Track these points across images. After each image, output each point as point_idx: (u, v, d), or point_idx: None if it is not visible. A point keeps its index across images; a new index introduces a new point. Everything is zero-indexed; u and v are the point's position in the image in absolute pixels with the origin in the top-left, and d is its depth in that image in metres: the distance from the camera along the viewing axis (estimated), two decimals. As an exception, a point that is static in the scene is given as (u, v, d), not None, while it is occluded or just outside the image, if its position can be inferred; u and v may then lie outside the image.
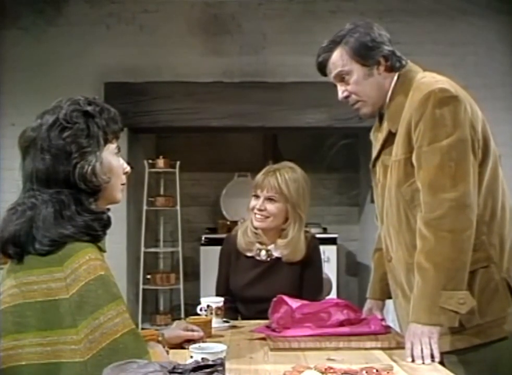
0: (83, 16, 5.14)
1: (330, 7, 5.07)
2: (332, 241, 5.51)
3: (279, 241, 2.75)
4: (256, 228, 2.77)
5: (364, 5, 4.95)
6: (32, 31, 5.10)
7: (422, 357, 1.87)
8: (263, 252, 2.78)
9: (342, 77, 2.11)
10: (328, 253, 5.24)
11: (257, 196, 2.74)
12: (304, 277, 2.77)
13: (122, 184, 1.75)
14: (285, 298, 2.22)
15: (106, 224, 1.64)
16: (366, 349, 2.04)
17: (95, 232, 1.60)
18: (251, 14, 5.13)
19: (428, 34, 4.99)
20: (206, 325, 2.32)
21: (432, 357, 1.87)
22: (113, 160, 1.70)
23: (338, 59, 2.09)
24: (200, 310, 2.51)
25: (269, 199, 2.71)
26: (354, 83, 2.09)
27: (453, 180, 1.90)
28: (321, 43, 2.17)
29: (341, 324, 2.18)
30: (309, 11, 5.11)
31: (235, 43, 5.13)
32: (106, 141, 1.68)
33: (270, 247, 2.78)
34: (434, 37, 5.00)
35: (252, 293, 2.75)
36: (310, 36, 4.87)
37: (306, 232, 2.81)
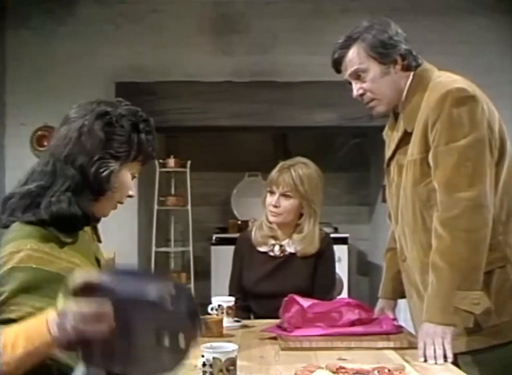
0: (92, 16, 5.14)
1: (339, 6, 5.06)
2: (343, 241, 5.48)
3: (295, 236, 2.79)
4: (271, 222, 2.82)
5: (372, 4, 4.94)
6: (41, 31, 5.10)
7: (435, 357, 1.86)
8: (277, 248, 2.81)
9: (358, 75, 2.10)
10: (339, 253, 5.19)
11: (272, 192, 2.78)
12: (316, 273, 2.79)
13: (119, 202, 1.77)
14: (297, 297, 2.22)
15: (69, 226, 1.64)
16: (377, 349, 2.03)
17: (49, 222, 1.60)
18: (260, 13, 5.12)
19: (436, 33, 4.97)
20: (217, 324, 2.33)
21: (445, 357, 1.86)
22: (128, 178, 1.74)
23: (355, 56, 2.08)
24: (212, 309, 2.52)
25: (284, 195, 2.75)
26: (371, 80, 2.08)
27: (470, 180, 1.90)
28: (331, 43, 2.16)
29: (352, 323, 2.17)
30: (318, 10, 5.09)
31: (244, 42, 5.12)
32: (134, 159, 1.73)
33: (284, 242, 2.81)
34: (443, 36, 4.98)
35: (265, 288, 2.77)
36: (319, 35, 4.86)
37: (320, 229, 2.84)
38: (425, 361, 1.87)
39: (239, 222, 5.85)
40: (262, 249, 2.85)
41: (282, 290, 2.48)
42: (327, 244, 2.85)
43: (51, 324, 1.29)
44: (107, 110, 1.70)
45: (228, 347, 1.65)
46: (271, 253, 2.83)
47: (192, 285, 5.39)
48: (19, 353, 1.31)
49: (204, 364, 1.62)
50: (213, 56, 5.12)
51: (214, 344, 1.68)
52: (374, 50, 2.06)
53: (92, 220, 1.74)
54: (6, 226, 1.63)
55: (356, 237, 6.14)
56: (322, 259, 2.81)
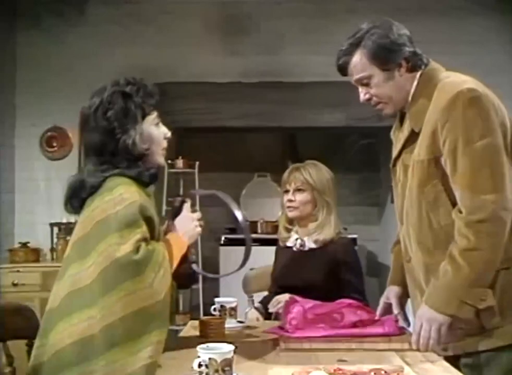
0: (101, 17, 5.16)
1: (346, 6, 5.05)
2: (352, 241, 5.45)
3: (310, 225, 2.95)
4: (291, 220, 3.02)
5: (378, 5, 4.92)
6: (51, 32, 5.13)
7: (427, 344, 1.93)
8: (298, 241, 2.98)
9: (362, 82, 2.10)
10: (348, 253, 5.18)
11: (287, 191, 2.99)
12: (342, 279, 2.84)
13: (163, 149, 2.07)
14: (298, 298, 2.22)
15: (154, 175, 2.01)
16: (378, 350, 2.02)
17: (142, 178, 1.96)
18: (268, 13, 5.11)
19: (441, 33, 4.95)
20: (219, 325, 2.33)
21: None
22: (152, 129, 2.03)
23: (358, 63, 2.08)
24: (214, 310, 2.52)
25: (297, 190, 2.95)
26: (375, 86, 2.08)
27: (492, 182, 1.89)
28: (339, 43, 2.15)
29: (354, 325, 2.16)
30: (325, 11, 5.09)
31: (252, 43, 5.11)
32: (144, 116, 2.00)
33: (305, 238, 2.95)
34: (447, 36, 4.96)
35: (285, 281, 2.92)
36: (327, 35, 4.85)
37: (340, 232, 2.95)
38: (418, 349, 1.94)
39: (248, 223, 5.83)
40: (289, 243, 3.03)
41: (299, 283, 2.78)
42: (345, 246, 2.93)
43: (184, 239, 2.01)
44: (99, 101, 1.97)
45: (224, 348, 1.65)
46: (294, 249, 2.99)
47: (200, 286, 5.39)
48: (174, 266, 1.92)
49: (199, 365, 1.61)
50: (221, 57, 5.13)
51: (210, 345, 1.67)
52: (376, 57, 2.05)
53: (157, 175, 2.04)
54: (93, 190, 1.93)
55: (366, 238, 6.12)
56: (345, 263, 2.87)
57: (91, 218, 1.88)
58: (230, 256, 5.40)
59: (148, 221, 1.90)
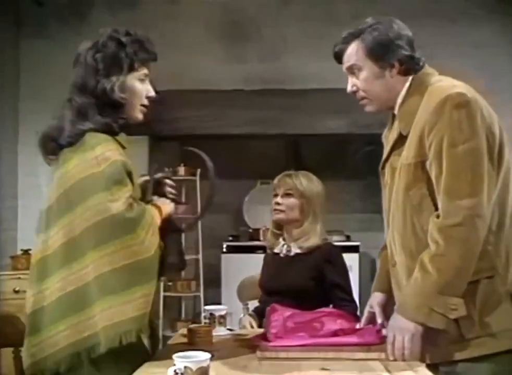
0: (105, 24, 5.14)
1: (350, 11, 5.03)
2: (354, 249, 5.43)
3: (295, 230, 2.99)
4: (276, 224, 3.06)
5: (384, 10, 4.89)
6: (55, 40, 5.17)
7: (403, 354, 1.90)
8: (284, 247, 3.01)
9: (353, 71, 2.11)
10: (350, 261, 5.10)
11: (276, 195, 3.02)
12: (329, 282, 2.89)
13: (143, 105, 2.11)
14: (278, 306, 2.20)
15: (123, 125, 2.05)
16: (355, 359, 1.99)
17: (111, 129, 2.01)
18: (271, 19, 5.13)
19: (447, 38, 4.94)
20: (207, 333, 2.32)
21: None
22: (136, 83, 2.08)
23: (353, 53, 2.09)
24: (204, 318, 2.51)
25: (286, 194, 2.99)
26: (364, 79, 2.09)
27: (470, 187, 1.87)
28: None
29: (335, 334, 2.13)
30: (329, 16, 5.08)
31: (255, 49, 5.12)
32: (132, 68, 2.06)
33: (291, 244, 2.99)
34: (453, 41, 4.95)
35: (271, 286, 2.97)
36: (330, 42, 4.79)
37: (325, 239, 2.99)
38: (394, 359, 1.91)
39: (251, 230, 5.82)
40: (276, 250, 3.06)
41: (285, 288, 2.83)
42: (332, 249, 2.99)
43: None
44: (94, 42, 2.07)
45: (200, 356, 1.64)
46: (281, 254, 3.01)
47: (201, 293, 5.39)
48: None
49: (176, 373, 1.60)
50: (225, 63, 5.14)
51: (187, 353, 1.67)
52: (372, 52, 2.05)
53: (126, 125, 2.08)
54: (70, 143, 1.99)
55: (370, 244, 6.07)
56: (333, 268, 2.92)
57: (72, 174, 1.95)
58: (232, 263, 5.40)
59: (129, 175, 1.98)
